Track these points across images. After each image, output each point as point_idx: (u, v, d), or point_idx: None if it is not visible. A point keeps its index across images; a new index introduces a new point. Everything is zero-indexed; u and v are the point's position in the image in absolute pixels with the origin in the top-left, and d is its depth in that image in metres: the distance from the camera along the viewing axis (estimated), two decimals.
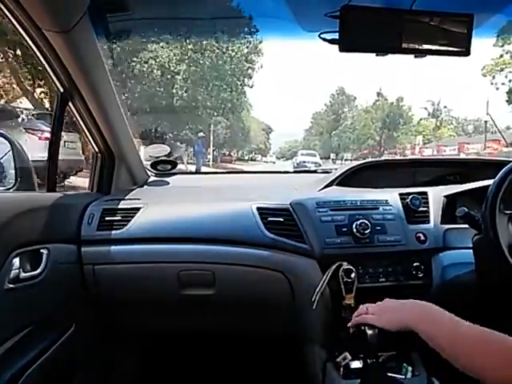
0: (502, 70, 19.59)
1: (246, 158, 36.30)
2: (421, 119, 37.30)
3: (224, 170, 9.40)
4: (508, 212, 0.98)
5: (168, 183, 1.55)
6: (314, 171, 1.86)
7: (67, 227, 1.11)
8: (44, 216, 1.00)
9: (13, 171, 1.19)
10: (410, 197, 1.17)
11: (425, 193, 1.22)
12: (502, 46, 18.43)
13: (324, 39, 0.91)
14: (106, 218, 1.16)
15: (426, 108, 36.78)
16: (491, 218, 0.90)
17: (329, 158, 31.49)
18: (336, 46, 0.89)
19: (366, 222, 1.10)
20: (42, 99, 8.98)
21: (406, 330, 0.73)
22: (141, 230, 1.14)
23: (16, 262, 0.87)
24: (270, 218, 1.14)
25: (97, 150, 1.31)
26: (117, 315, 1.26)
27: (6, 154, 1.20)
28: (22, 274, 0.89)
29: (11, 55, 8.05)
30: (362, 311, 0.86)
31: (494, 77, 20.29)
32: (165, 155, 1.58)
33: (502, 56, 19.34)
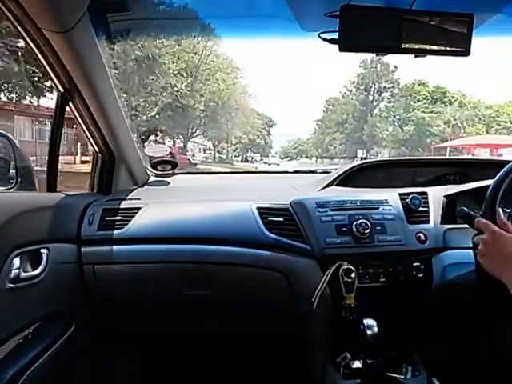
0: None
1: (239, 158, 25.28)
2: None
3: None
4: (508, 211, 0.98)
5: (168, 183, 1.55)
6: (314, 171, 1.86)
7: (67, 227, 1.11)
8: (44, 216, 1.00)
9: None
10: (410, 197, 1.17)
11: (425, 193, 1.22)
12: None
13: (324, 39, 0.91)
14: (107, 218, 1.16)
15: None
16: (491, 218, 0.90)
17: (355, 156, 21.59)
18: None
19: (366, 221, 1.10)
20: None
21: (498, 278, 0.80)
22: (141, 230, 1.14)
23: (16, 261, 0.87)
24: (270, 218, 1.14)
25: (97, 150, 1.31)
26: (117, 315, 1.26)
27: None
28: (23, 274, 0.89)
29: None
30: (478, 241, 0.87)
31: None
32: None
33: None
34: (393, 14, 0.90)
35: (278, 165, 22.03)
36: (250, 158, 26.40)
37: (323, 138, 29.79)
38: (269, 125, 29.64)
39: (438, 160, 1.71)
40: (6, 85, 9.92)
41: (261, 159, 26.28)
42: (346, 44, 0.89)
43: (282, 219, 1.14)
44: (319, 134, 31.33)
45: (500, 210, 0.90)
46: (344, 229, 1.11)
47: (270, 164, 22.99)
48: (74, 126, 1.22)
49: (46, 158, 1.14)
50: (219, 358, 1.51)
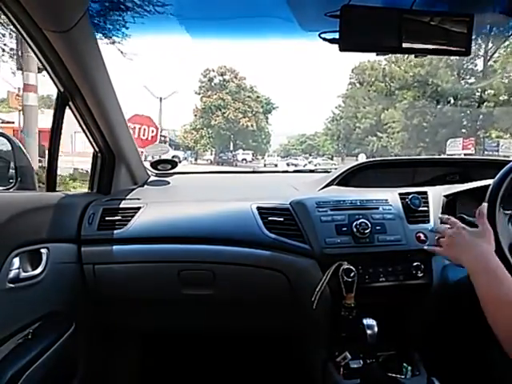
0: None
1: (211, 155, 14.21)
2: None
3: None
4: (508, 211, 0.98)
5: (168, 183, 1.55)
6: (314, 170, 1.86)
7: (67, 227, 1.11)
8: (44, 216, 1.00)
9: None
10: (410, 196, 1.17)
11: (425, 192, 1.22)
12: None
13: (324, 39, 0.91)
14: (107, 218, 1.16)
15: None
16: (491, 218, 0.90)
17: (442, 152, 12.94)
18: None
19: (366, 221, 1.10)
20: None
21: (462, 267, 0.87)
22: (141, 230, 1.14)
23: (16, 261, 0.87)
24: (270, 218, 1.14)
25: (97, 149, 1.31)
26: (117, 315, 1.26)
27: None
28: (22, 274, 0.89)
29: None
30: (434, 241, 0.97)
31: None
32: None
33: None
34: (393, 14, 0.90)
35: (276, 165, 16.05)
36: (227, 157, 16.18)
37: (353, 124, 18.02)
38: (267, 108, 19.86)
39: (437, 160, 1.71)
40: None
41: (253, 159, 17.50)
42: (347, 44, 0.89)
43: (282, 219, 1.14)
44: (346, 119, 18.94)
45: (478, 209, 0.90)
46: (344, 228, 1.11)
47: (265, 165, 16.74)
48: None
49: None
50: (219, 357, 1.51)
